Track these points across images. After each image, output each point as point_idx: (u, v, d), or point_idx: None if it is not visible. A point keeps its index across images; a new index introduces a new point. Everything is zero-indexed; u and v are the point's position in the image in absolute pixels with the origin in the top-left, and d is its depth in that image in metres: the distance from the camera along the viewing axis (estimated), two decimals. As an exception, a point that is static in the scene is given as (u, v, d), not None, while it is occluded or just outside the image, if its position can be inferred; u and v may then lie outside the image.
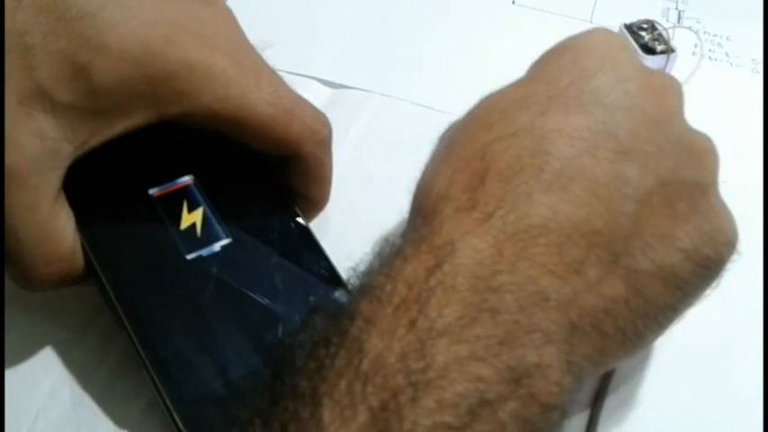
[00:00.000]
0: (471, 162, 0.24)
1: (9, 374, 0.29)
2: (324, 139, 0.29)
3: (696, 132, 0.26)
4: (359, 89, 0.42)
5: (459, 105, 0.41)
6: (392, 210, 0.31)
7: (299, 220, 0.30)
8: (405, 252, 0.22)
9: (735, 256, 0.26)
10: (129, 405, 0.28)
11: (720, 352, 0.32)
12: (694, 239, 0.24)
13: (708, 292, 0.26)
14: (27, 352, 0.30)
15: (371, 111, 0.41)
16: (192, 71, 0.25)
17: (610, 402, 0.29)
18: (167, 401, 0.25)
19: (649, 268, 0.23)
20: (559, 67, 0.26)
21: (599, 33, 0.28)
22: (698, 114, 0.41)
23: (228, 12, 0.28)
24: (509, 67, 0.43)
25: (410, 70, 0.43)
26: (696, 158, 0.25)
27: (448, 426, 0.18)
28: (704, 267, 0.24)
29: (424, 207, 0.24)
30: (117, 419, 0.28)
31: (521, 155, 0.23)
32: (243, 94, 0.26)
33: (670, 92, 0.26)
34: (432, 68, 0.43)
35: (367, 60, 0.44)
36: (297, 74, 0.42)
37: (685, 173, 0.24)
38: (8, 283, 0.30)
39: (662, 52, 0.35)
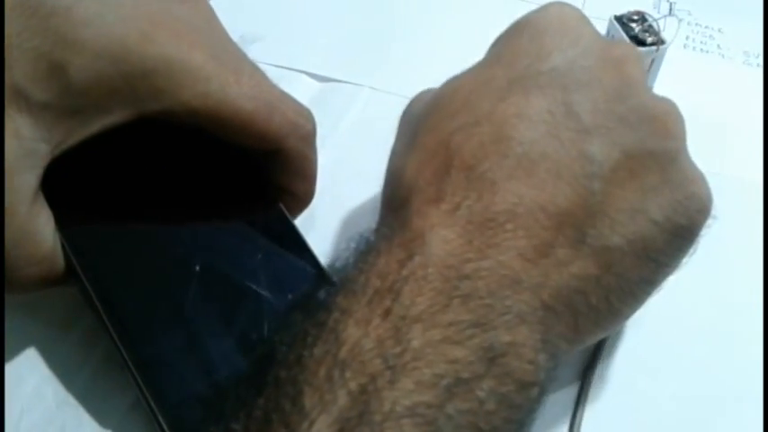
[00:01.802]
0: (437, 152, 0.24)
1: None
2: (307, 134, 0.29)
3: (659, 99, 0.26)
4: (348, 83, 0.41)
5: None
6: (377, 202, 0.30)
7: (284, 216, 0.30)
8: (378, 247, 0.22)
9: (710, 221, 0.26)
10: (114, 404, 0.28)
11: (720, 348, 0.31)
12: (666, 210, 0.24)
13: (685, 260, 0.26)
14: (10, 351, 0.29)
15: (361, 104, 0.40)
16: (170, 67, 0.25)
17: (599, 393, 0.29)
18: (152, 403, 0.25)
19: (620, 244, 0.23)
20: (517, 47, 0.27)
21: (554, 7, 0.28)
22: (690, 105, 0.41)
23: (207, 6, 0.28)
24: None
25: (399, 64, 0.43)
26: (662, 126, 0.25)
27: (426, 404, 0.19)
28: (678, 236, 0.24)
29: (394, 201, 0.24)
30: (101, 419, 0.28)
31: (484, 142, 0.24)
32: (222, 89, 0.26)
33: (628, 61, 0.26)
34: (421, 62, 0.43)
35: (356, 54, 0.43)
36: (285, 67, 0.42)
37: (651, 143, 0.24)
38: None
39: (652, 44, 0.35)
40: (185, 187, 0.29)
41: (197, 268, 0.28)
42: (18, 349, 0.29)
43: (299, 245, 0.29)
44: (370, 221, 0.33)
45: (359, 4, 0.47)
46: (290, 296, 0.28)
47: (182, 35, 0.25)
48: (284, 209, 0.30)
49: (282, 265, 0.28)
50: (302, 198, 0.31)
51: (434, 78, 0.42)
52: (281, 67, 0.41)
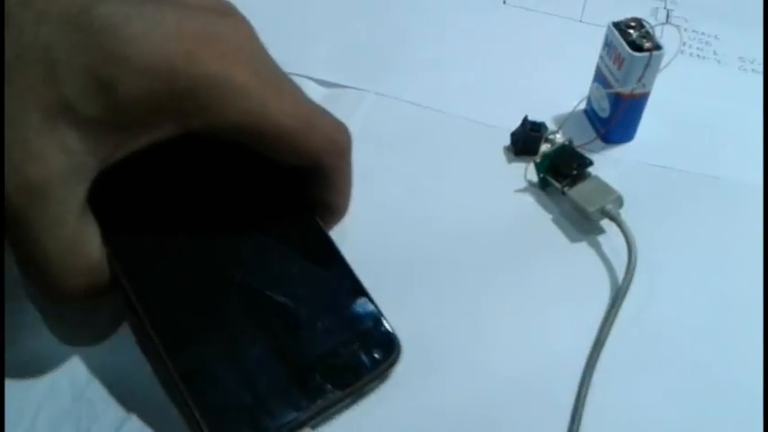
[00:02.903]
0: None
1: (9, 369, 0.29)
2: (344, 150, 0.29)
3: None
4: (353, 88, 0.42)
5: (451, 103, 0.42)
6: (387, 208, 0.31)
7: (320, 228, 0.30)
8: None
9: None
10: (130, 397, 0.29)
11: (720, 351, 0.32)
12: None
13: None
14: (26, 346, 0.30)
15: (366, 109, 0.41)
16: (214, 85, 0.25)
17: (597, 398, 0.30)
18: (195, 412, 0.26)
19: None
20: None
21: None
22: (688, 110, 0.42)
23: (247, 23, 0.28)
24: (499, 65, 0.45)
25: (403, 69, 0.44)
26: None
27: None
28: None
29: None
30: (117, 412, 0.29)
31: None
32: (264, 106, 0.26)
33: None
34: (425, 67, 0.44)
35: (361, 60, 0.44)
36: (291, 73, 0.42)
37: None
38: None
39: (648, 50, 0.36)
40: (225, 200, 0.30)
41: (237, 279, 0.28)
42: (34, 344, 0.30)
43: (334, 257, 0.30)
44: (376, 225, 0.35)
45: (364, 11, 0.48)
46: (325, 306, 0.28)
47: (225, 53, 0.26)
48: (320, 221, 0.30)
49: (318, 276, 0.29)
50: (337, 211, 0.31)
51: (438, 83, 0.44)
52: (287, 72, 0.42)
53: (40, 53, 0.24)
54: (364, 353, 0.28)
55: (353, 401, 0.28)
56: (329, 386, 0.27)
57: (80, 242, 0.26)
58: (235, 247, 0.29)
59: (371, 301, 0.29)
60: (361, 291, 0.29)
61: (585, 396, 0.29)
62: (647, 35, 0.36)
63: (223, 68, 0.26)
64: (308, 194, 0.30)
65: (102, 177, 0.26)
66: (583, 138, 0.39)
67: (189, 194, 0.30)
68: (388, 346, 0.28)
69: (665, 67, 0.36)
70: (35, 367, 0.30)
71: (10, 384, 0.29)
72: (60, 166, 0.24)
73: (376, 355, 0.28)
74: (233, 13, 0.28)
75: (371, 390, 0.28)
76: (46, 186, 0.24)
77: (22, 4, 0.24)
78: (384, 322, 0.29)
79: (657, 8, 0.50)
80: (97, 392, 0.29)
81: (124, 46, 0.24)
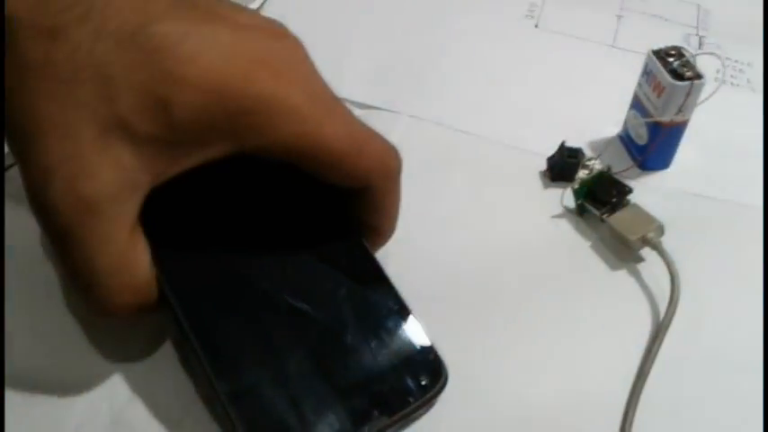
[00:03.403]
0: None
1: (47, 388, 0.29)
2: (393, 173, 0.29)
3: None
4: (387, 110, 0.42)
5: (485, 127, 0.42)
6: (421, 230, 0.31)
7: (367, 251, 0.30)
8: None
9: None
10: (170, 419, 0.29)
11: (722, 376, 0.32)
12: None
13: None
14: (65, 366, 0.30)
15: (400, 131, 0.41)
16: (270, 106, 0.26)
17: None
18: None
19: None
20: None
21: None
22: (724, 137, 0.42)
23: (301, 45, 0.28)
24: (532, 90, 0.45)
25: (437, 92, 0.44)
26: None
27: None
28: None
29: None
30: (165, 421, 0.29)
31: None
32: (317, 128, 0.26)
33: None
34: (458, 91, 0.44)
35: (395, 82, 0.44)
36: None
37: None
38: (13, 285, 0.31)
39: (690, 78, 0.36)
40: (273, 220, 0.30)
41: (284, 300, 0.28)
42: (72, 365, 0.30)
43: (381, 280, 0.29)
44: (410, 246, 0.34)
45: (399, 33, 0.48)
46: (372, 328, 0.28)
47: (280, 74, 0.26)
48: (367, 243, 0.30)
49: (366, 299, 0.29)
50: (384, 233, 0.31)
51: (472, 107, 0.44)
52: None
53: (96, 70, 0.24)
54: (411, 379, 0.28)
55: (399, 428, 0.28)
56: (376, 412, 0.27)
57: (130, 260, 0.26)
58: (282, 267, 0.29)
59: (418, 326, 0.29)
60: (408, 315, 0.29)
61: (630, 430, 0.29)
62: (688, 64, 0.36)
63: (278, 89, 0.26)
64: (356, 216, 0.30)
65: (153, 195, 0.26)
66: (618, 164, 0.39)
67: (238, 214, 0.30)
68: (436, 373, 0.28)
69: (709, 97, 0.36)
70: (75, 386, 0.30)
71: (49, 402, 0.29)
72: (113, 182, 0.24)
73: (423, 382, 0.27)
74: (286, 34, 0.28)
75: (416, 417, 0.28)
76: (98, 202, 0.24)
77: (78, 20, 0.24)
78: (432, 348, 0.28)
79: (689, 35, 0.50)
80: (137, 414, 0.29)
81: (181, 65, 0.24)
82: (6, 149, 0.36)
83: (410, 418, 0.28)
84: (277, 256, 0.29)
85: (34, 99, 0.24)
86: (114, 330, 0.31)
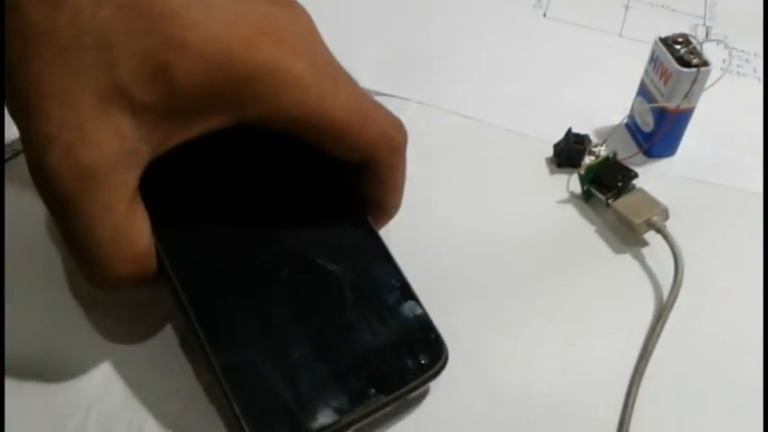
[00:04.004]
0: None
1: (60, 367, 0.30)
2: (399, 146, 0.29)
3: None
4: (396, 97, 0.43)
5: (493, 114, 0.42)
6: (429, 215, 0.31)
7: (370, 227, 0.30)
8: None
9: None
10: (180, 396, 0.29)
11: (722, 364, 0.32)
12: None
13: None
14: (77, 345, 0.31)
15: (408, 118, 0.41)
16: (273, 75, 0.25)
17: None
18: (236, 410, 0.25)
19: None
20: None
21: None
22: (730, 126, 0.42)
23: (306, 14, 0.28)
24: (540, 77, 0.45)
25: (446, 80, 0.44)
26: None
27: None
28: None
29: None
30: (167, 412, 0.29)
31: None
32: (320, 98, 0.26)
33: None
34: (466, 78, 0.45)
35: (404, 69, 0.45)
36: None
37: None
38: (28, 281, 0.31)
39: (696, 66, 0.36)
40: (275, 193, 0.30)
41: (284, 276, 0.28)
42: (85, 343, 0.31)
43: (383, 258, 0.29)
44: (417, 232, 0.35)
45: (407, 20, 0.49)
46: (373, 306, 0.28)
47: (284, 42, 0.26)
48: (370, 220, 0.30)
49: (367, 276, 0.29)
50: (388, 209, 0.31)
51: (480, 94, 0.44)
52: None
53: (97, 36, 0.23)
54: (411, 358, 0.27)
55: (396, 408, 0.28)
56: (373, 390, 0.26)
57: (129, 230, 0.26)
58: (283, 242, 0.29)
59: (420, 304, 0.28)
60: (410, 294, 0.28)
61: (632, 409, 0.30)
62: (695, 51, 0.37)
63: (281, 58, 0.25)
64: (360, 191, 0.30)
65: (153, 166, 0.26)
66: (624, 151, 0.39)
67: (238, 186, 0.29)
68: (436, 352, 0.28)
69: (713, 84, 0.37)
70: (86, 365, 0.30)
71: (60, 382, 0.29)
72: (113, 151, 0.24)
73: (423, 361, 0.27)
74: (291, 3, 0.28)
75: (415, 397, 0.28)
76: (98, 171, 0.24)
77: None
78: (433, 327, 0.28)
79: (697, 25, 0.50)
80: (141, 400, 0.29)
81: (183, 32, 0.24)
82: (7, 139, 0.37)
83: (408, 398, 0.27)
84: (278, 231, 0.29)
85: (35, 66, 0.24)
86: (117, 315, 0.31)
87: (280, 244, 0.29)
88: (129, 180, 0.25)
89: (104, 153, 0.24)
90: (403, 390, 0.27)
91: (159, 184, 0.27)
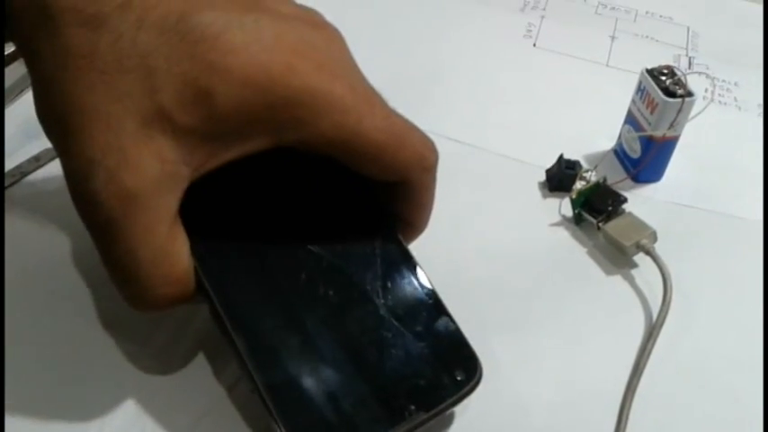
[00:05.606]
0: None
1: (73, 382, 0.31)
2: (431, 166, 0.29)
3: None
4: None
5: (486, 140, 0.44)
6: (423, 238, 0.32)
7: (401, 244, 0.30)
8: None
9: None
10: (192, 411, 0.30)
11: (754, 382, 0.33)
12: None
13: None
14: (90, 361, 0.31)
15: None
16: (313, 99, 0.25)
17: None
18: (280, 426, 0.26)
19: None
20: None
21: None
22: (711, 153, 0.44)
23: (339, 35, 0.28)
24: (532, 105, 0.47)
25: (441, 107, 0.46)
26: None
27: None
28: None
29: None
30: (179, 426, 0.30)
31: None
32: (358, 120, 0.26)
33: None
34: (461, 106, 0.46)
35: (398, 97, 0.46)
36: None
37: None
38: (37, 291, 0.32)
39: (681, 96, 0.38)
40: (309, 212, 0.30)
41: (322, 294, 0.28)
42: (97, 360, 0.31)
43: (416, 274, 0.29)
44: (417, 252, 0.36)
45: (400, 46, 0.50)
46: (406, 321, 0.28)
47: (323, 66, 0.26)
48: (401, 237, 0.30)
49: (401, 293, 0.29)
50: (417, 227, 0.31)
51: (473, 120, 0.46)
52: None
53: (139, 60, 0.24)
54: (447, 375, 0.27)
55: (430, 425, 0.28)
56: (413, 407, 0.26)
57: (170, 251, 0.26)
58: (318, 260, 0.29)
59: (453, 320, 0.28)
60: (443, 310, 0.29)
61: (626, 423, 0.31)
62: (680, 82, 0.38)
63: (321, 82, 0.25)
64: (391, 209, 0.30)
65: (192, 188, 0.26)
66: (613, 176, 0.41)
67: (273, 205, 0.30)
68: (471, 369, 0.28)
69: (699, 113, 0.39)
70: (98, 381, 0.31)
71: (73, 399, 0.30)
72: (155, 174, 0.24)
73: (459, 378, 0.27)
74: (326, 25, 0.28)
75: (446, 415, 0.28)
76: (140, 194, 0.24)
77: (120, 9, 0.24)
78: (467, 343, 0.28)
79: (680, 55, 0.52)
80: (160, 406, 0.30)
81: (224, 56, 0.24)
82: (15, 162, 0.37)
83: (442, 415, 0.27)
84: (313, 249, 0.29)
85: (76, 89, 0.24)
86: (129, 335, 0.32)
87: (315, 261, 0.29)
88: (170, 202, 0.25)
89: (146, 177, 0.24)
90: (442, 406, 0.27)
91: (195, 203, 0.27)
